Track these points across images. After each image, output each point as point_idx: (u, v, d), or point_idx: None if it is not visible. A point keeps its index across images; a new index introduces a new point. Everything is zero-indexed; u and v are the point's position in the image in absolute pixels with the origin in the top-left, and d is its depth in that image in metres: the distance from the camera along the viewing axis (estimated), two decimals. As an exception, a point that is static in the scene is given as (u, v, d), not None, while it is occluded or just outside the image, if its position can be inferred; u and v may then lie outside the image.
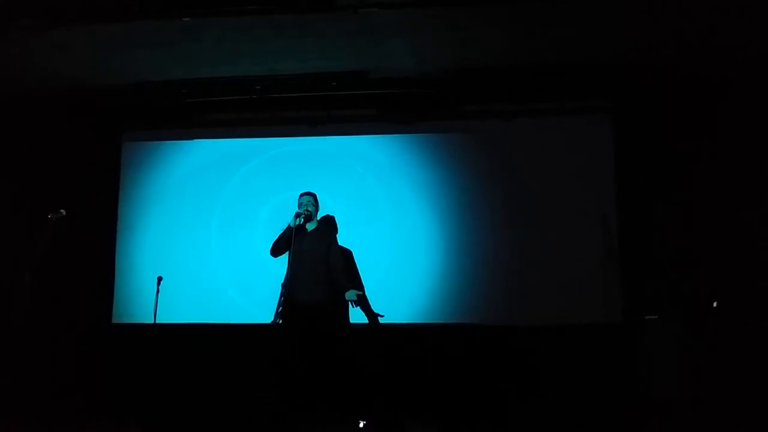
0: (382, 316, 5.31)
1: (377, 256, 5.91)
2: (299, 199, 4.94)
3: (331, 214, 5.39)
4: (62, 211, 4.88)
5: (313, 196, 4.98)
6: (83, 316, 6.06)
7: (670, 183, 5.61)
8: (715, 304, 4.47)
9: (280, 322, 4.71)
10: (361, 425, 4.79)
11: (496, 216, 5.99)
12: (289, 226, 4.79)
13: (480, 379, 5.67)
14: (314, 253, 4.81)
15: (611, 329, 5.53)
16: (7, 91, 6.02)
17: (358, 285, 5.15)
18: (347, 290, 4.82)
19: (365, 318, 5.36)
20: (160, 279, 5.47)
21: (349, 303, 4.95)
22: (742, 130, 5.44)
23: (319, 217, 5.04)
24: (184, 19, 4.83)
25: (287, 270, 4.72)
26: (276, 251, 4.84)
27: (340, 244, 5.06)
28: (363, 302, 5.22)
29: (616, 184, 5.88)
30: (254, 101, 6.18)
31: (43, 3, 4.74)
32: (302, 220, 4.83)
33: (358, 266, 5.51)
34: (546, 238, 5.85)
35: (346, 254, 5.25)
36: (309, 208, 4.89)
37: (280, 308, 4.70)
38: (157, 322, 5.38)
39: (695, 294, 4.41)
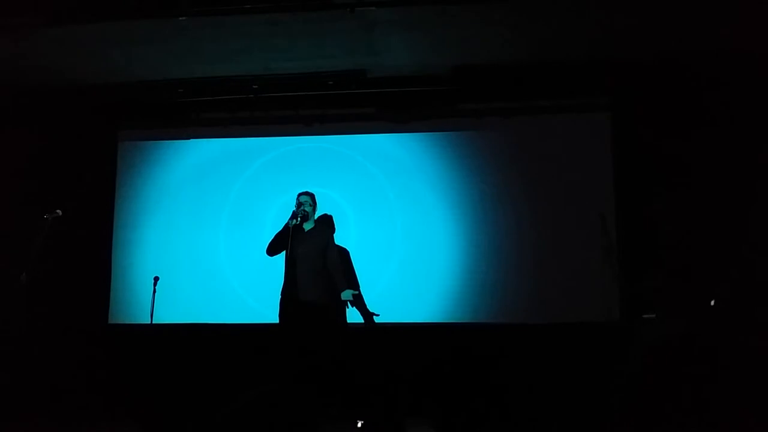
0: (378, 315, 5.31)
1: (371, 255, 5.90)
2: (297, 198, 4.92)
3: (328, 214, 5.38)
4: (58, 211, 4.87)
5: (311, 195, 4.95)
6: (80, 316, 6.04)
7: (668, 182, 5.60)
8: (712, 303, 4.46)
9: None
10: (360, 425, 4.78)
11: (493, 214, 5.98)
12: (286, 225, 4.77)
13: (478, 378, 5.65)
14: (311, 253, 4.78)
15: (609, 328, 5.51)
16: (5, 89, 6.00)
17: (354, 285, 5.14)
18: (344, 290, 4.81)
19: (361, 318, 5.35)
20: (156, 279, 5.46)
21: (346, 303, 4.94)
22: (741, 129, 5.43)
23: (316, 217, 5.02)
24: (181, 18, 4.83)
25: (285, 270, 4.71)
26: (272, 251, 4.81)
27: (336, 243, 5.05)
28: (359, 302, 5.22)
29: (614, 182, 5.87)
30: (251, 100, 6.17)
31: (42, 2, 4.73)
32: (299, 219, 4.81)
33: (354, 266, 5.49)
34: (544, 236, 5.84)
35: (343, 254, 5.24)
36: (306, 208, 4.86)
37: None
38: (153, 322, 5.38)
39: (694, 293, 4.40)
